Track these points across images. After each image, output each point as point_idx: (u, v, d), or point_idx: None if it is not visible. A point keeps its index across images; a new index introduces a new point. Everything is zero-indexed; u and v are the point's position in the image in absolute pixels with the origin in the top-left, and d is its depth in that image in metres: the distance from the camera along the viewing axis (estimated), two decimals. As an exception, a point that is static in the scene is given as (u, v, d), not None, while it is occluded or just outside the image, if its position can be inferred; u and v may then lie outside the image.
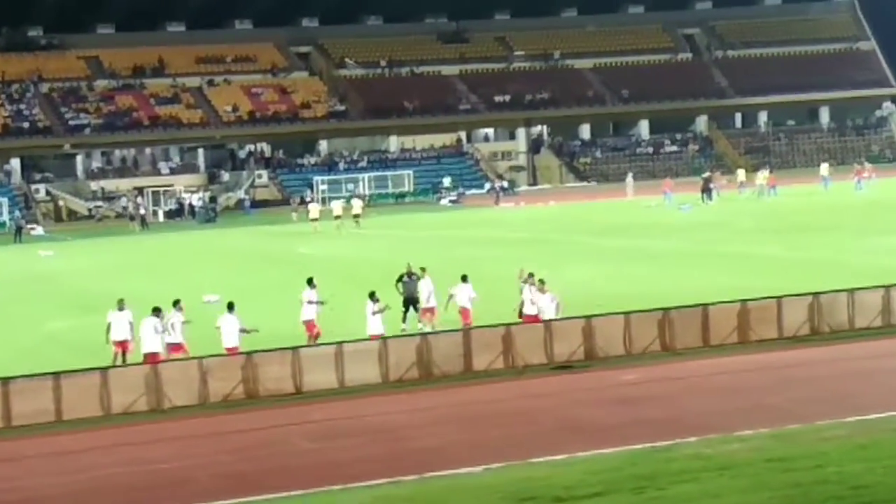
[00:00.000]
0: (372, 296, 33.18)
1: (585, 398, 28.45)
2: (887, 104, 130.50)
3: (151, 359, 30.83)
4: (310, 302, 34.91)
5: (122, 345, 32.38)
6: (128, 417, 28.37)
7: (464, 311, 35.31)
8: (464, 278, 35.80)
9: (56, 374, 28.76)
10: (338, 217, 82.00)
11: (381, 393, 29.75)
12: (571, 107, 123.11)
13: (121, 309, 32.67)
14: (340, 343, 31.39)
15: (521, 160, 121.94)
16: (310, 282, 35.42)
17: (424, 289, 36.31)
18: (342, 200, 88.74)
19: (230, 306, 32.40)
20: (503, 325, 32.26)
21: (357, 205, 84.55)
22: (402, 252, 50.85)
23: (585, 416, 26.50)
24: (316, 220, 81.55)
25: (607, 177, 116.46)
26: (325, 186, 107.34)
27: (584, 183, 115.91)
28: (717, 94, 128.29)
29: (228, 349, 31.40)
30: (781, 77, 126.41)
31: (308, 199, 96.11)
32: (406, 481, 21.90)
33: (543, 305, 33.39)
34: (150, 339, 31.34)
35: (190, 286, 46.21)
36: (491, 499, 20.26)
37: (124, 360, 31.83)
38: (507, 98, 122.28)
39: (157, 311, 31.79)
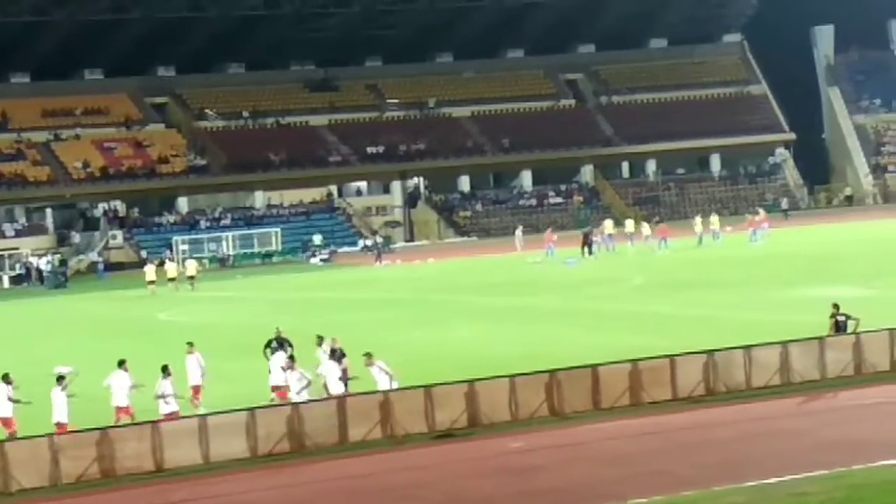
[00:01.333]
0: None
1: (470, 469, 28.43)
2: (780, 150, 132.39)
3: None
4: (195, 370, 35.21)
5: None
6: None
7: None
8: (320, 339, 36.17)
9: None
10: (172, 279, 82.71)
11: (250, 469, 29.51)
12: (449, 157, 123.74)
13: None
14: (205, 415, 31.16)
15: (397, 215, 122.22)
16: (190, 346, 35.72)
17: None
18: (176, 263, 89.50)
19: (120, 363, 33.17)
20: (380, 392, 32.23)
21: (191, 266, 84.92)
22: (270, 316, 50.61)
23: (471, 489, 26.46)
24: (153, 282, 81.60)
25: (489, 231, 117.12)
26: (185, 246, 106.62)
27: (465, 238, 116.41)
28: (603, 142, 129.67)
29: (119, 408, 32.22)
30: (670, 123, 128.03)
31: (167, 260, 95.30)
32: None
33: (378, 377, 33.45)
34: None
35: (38, 357, 45.58)
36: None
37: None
38: (381, 149, 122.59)
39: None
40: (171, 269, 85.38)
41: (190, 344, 36.06)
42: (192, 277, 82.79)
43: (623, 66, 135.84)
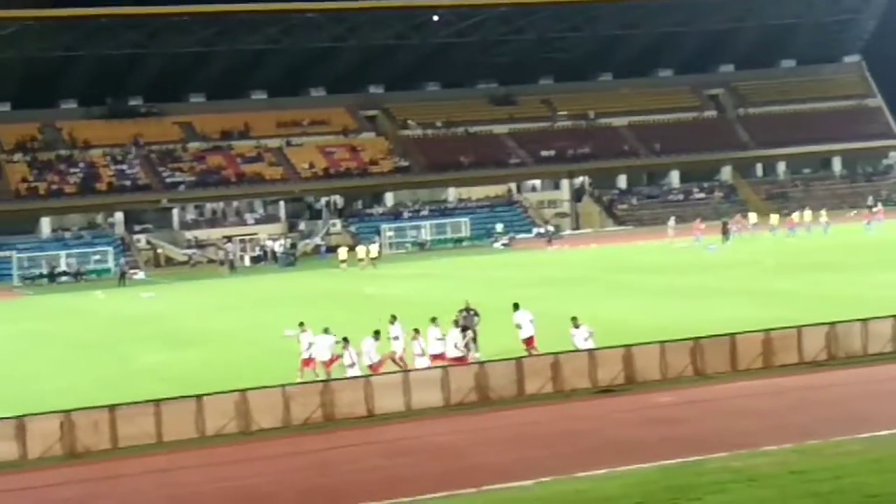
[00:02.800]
0: (433, 321, 33.63)
1: (625, 419, 28.26)
2: (893, 153, 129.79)
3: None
4: (395, 337, 35.09)
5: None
6: (220, 439, 28.46)
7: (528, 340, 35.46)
8: (516, 306, 36.14)
9: (157, 402, 28.94)
10: (361, 260, 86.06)
11: (443, 415, 29.69)
12: (609, 160, 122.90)
13: (303, 330, 35.22)
14: (407, 371, 31.48)
15: (565, 207, 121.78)
16: (392, 319, 35.72)
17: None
18: (366, 246, 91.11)
19: (326, 330, 34.76)
20: (552, 353, 32.21)
21: (374, 249, 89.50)
22: (460, 291, 50.79)
23: (625, 435, 26.32)
24: (344, 261, 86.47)
25: (642, 221, 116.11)
26: (391, 233, 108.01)
27: (622, 227, 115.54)
28: (740, 146, 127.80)
29: (324, 362, 34.11)
30: (797, 131, 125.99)
31: (367, 244, 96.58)
32: (464, 494, 21.84)
33: (578, 340, 33.47)
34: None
35: (271, 322, 46.39)
36: (542, 509, 20.17)
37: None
38: (552, 153, 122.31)
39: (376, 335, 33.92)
40: (360, 251, 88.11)
41: (393, 317, 36.08)
42: (374, 258, 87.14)
43: (758, 83, 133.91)
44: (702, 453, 23.35)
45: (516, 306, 36.57)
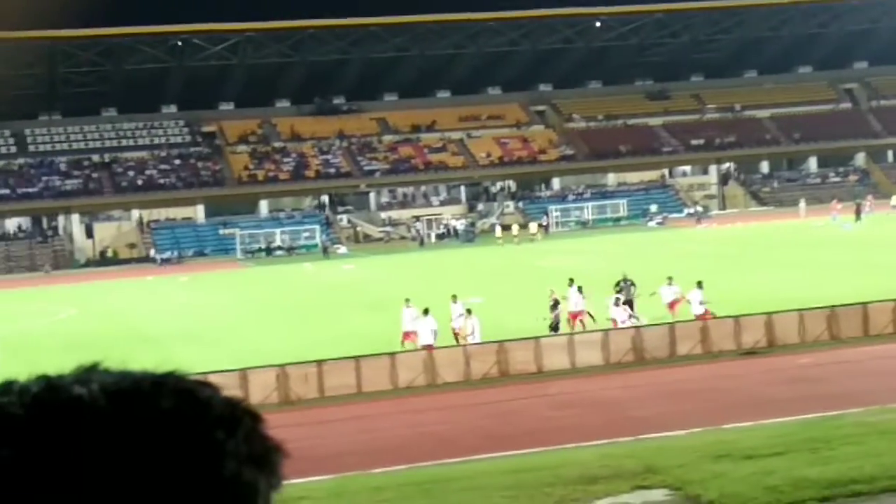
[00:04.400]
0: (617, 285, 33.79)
1: (767, 378, 27.68)
2: None
3: (428, 348, 31.41)
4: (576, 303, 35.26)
5: (408, 335, 32.99)
6: (410, 390, 28.80)
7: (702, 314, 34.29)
8: (699, 284, 35.20)
9: (357, 358, 29.41)
10: (515, 237, 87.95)
11: (604, 373, 29.53)
12: (753, 147, 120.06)
13: (408, 306, 33.47)
14: (572, 334, 31.37)
15: (713, 190, 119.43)
16: (571, 282, 35.85)
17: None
18: (530, 224, 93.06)
19: (454, 297, 34.75)
20: (696, 319, 31.77)
21: (533, 227, 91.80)
22: (619, 263, 50.30)
23: (767, 392, 25.78)
24: (500, 238, 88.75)
25: (783, 203, 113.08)
26: (557, 213, 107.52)
27: (765, 207, 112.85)
28: (873, 135, 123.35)
29: (423, 346, 31.58)
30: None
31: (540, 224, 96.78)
32: (623, 442, 21.70)
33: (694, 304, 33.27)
34: (425, 333, 31.90)
35: (457, 290, 46.62)
36: (692, 456, 19.91)
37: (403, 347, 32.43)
38: (701, 142, 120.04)
39: (427, 312, 32.38)
40: (515, 229, 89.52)
41: (571, 280, 36.05)
42: (533, 235, 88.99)
43: (891, 78, 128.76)
44: (838, 409, 22.74)
45: (670, 279, 36.11)
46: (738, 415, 23.08)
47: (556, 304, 34.87)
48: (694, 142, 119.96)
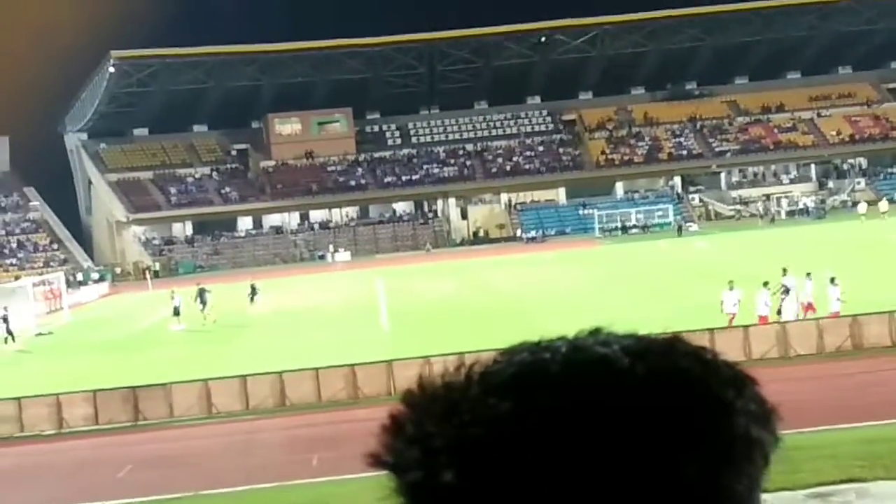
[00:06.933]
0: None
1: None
2: None
3: (762, 320, 30.65)
4: None
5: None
6: (761, 362, 27.96)
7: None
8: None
9: (711, 330, 28.70)
10: (884, 212, 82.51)
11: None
12: None
13: (731, 289, 32.68)
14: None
15: None
16: None
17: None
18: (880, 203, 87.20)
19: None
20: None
21: (883, 205, 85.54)
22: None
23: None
24: (863, 214, 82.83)
25: None
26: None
27: None
28: None
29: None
30: None
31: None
32: None
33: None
34: (761, 306, 31.23)
35: (796, 267, 44.79)
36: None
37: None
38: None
39: (765, 285, 31.81)
40: (882, 205, 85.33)
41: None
42: (884, 212, 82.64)
43: None
44: None
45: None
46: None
47: None
48: None
